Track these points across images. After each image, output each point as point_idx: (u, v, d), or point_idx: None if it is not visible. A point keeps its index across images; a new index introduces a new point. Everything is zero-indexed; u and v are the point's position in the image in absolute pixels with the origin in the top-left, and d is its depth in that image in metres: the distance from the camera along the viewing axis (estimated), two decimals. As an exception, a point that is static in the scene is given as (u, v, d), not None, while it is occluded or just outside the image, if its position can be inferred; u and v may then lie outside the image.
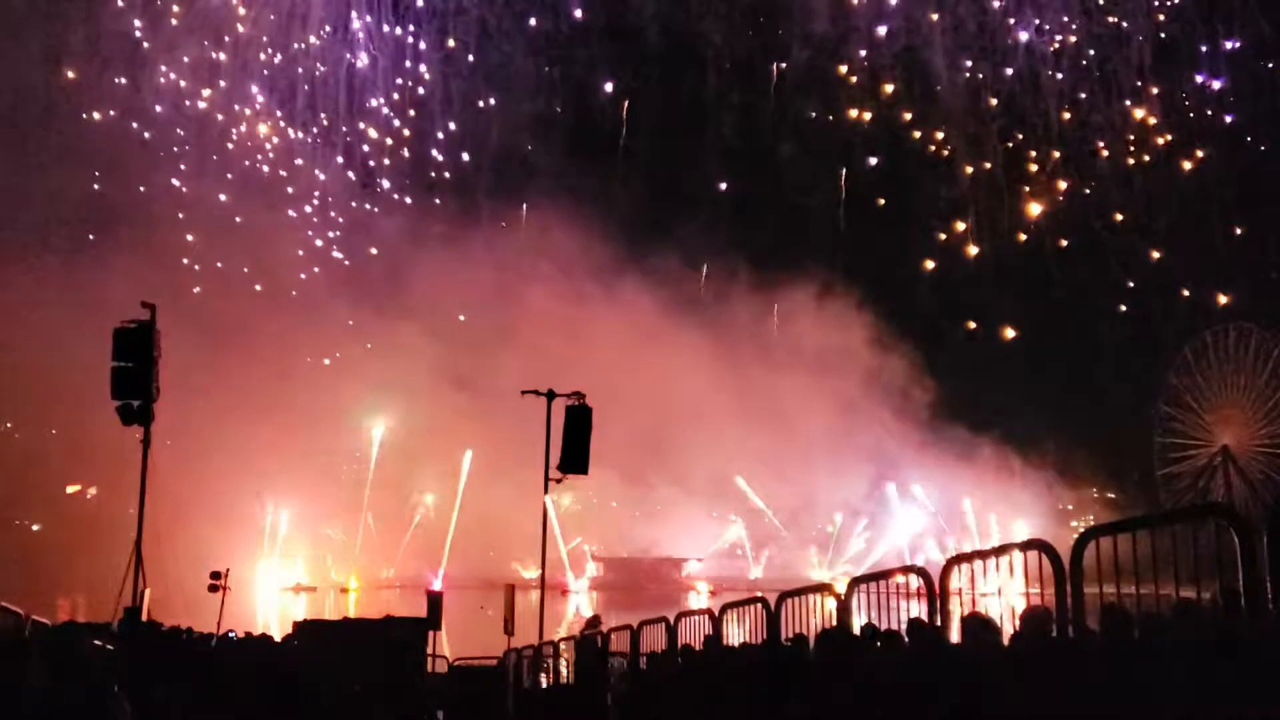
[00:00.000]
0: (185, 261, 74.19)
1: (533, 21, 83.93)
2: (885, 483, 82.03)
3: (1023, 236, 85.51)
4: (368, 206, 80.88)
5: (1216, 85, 78.68)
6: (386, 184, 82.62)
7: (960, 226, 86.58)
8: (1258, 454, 67.23)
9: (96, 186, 70.69)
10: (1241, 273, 73.10)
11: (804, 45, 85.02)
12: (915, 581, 8.68)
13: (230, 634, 19.93)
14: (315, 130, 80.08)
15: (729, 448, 78.07)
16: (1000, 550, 7.74)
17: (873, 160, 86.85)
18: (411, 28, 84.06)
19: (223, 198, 76.53)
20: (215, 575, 24.52)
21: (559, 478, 24.89)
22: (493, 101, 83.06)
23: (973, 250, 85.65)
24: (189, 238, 74.51)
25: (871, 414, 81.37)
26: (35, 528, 70.01)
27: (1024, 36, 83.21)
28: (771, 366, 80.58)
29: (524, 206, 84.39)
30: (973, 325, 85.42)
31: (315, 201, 78.26)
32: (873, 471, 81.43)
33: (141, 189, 71.62)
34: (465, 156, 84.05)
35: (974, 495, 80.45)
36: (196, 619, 21.05)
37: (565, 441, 24.46)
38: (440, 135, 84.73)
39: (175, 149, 75.78)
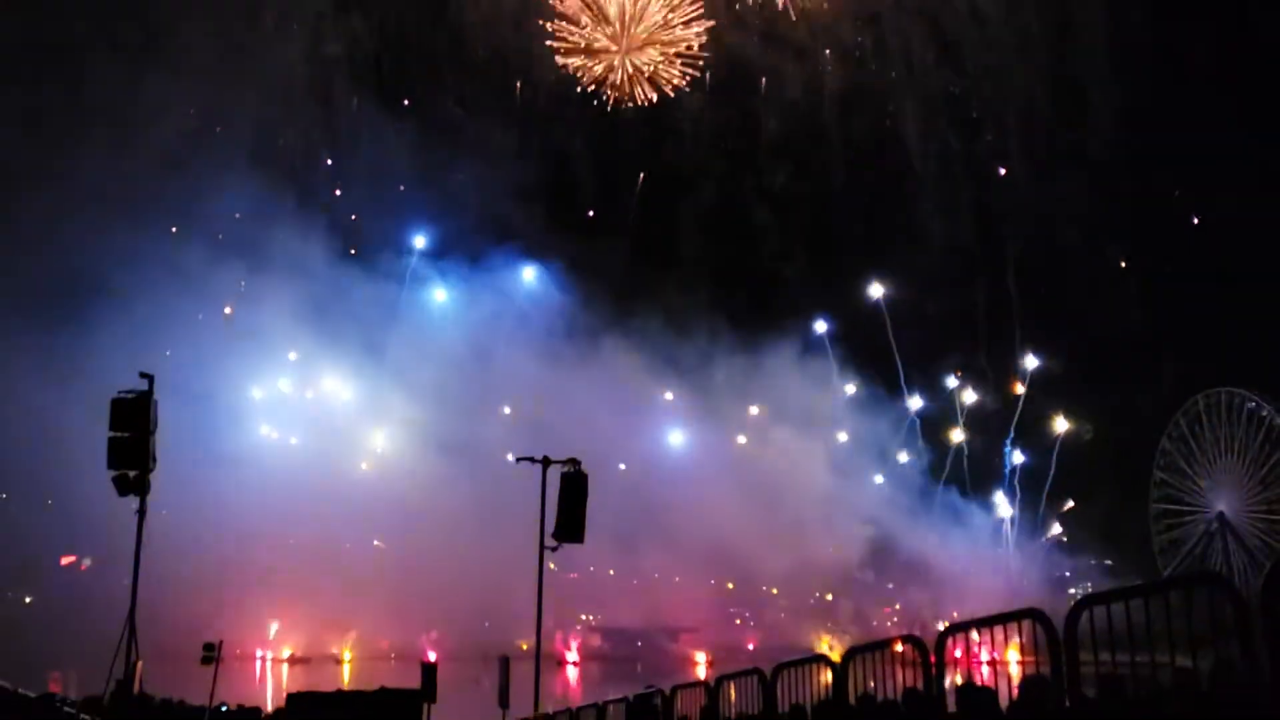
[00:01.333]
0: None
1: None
2: (879, 546, 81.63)
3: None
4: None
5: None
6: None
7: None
8: (1255, 520, 67.09)
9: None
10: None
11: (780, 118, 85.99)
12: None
13: (223, 707, 19.77)
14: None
15: (721, 512, 77.87)
16: (995, 620, 7.77)
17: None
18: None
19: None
20: (209, 647, 24.34)
21: (554, 546, 24.79)
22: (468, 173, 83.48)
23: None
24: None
25: (861, 478, 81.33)
26: (28, 600, 69.48)
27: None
28: (757, 430, 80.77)
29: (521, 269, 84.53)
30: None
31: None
32: (867, 536, 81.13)
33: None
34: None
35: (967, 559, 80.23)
36: (189, 691, 20.88)
37: (560, 509, 24.41)
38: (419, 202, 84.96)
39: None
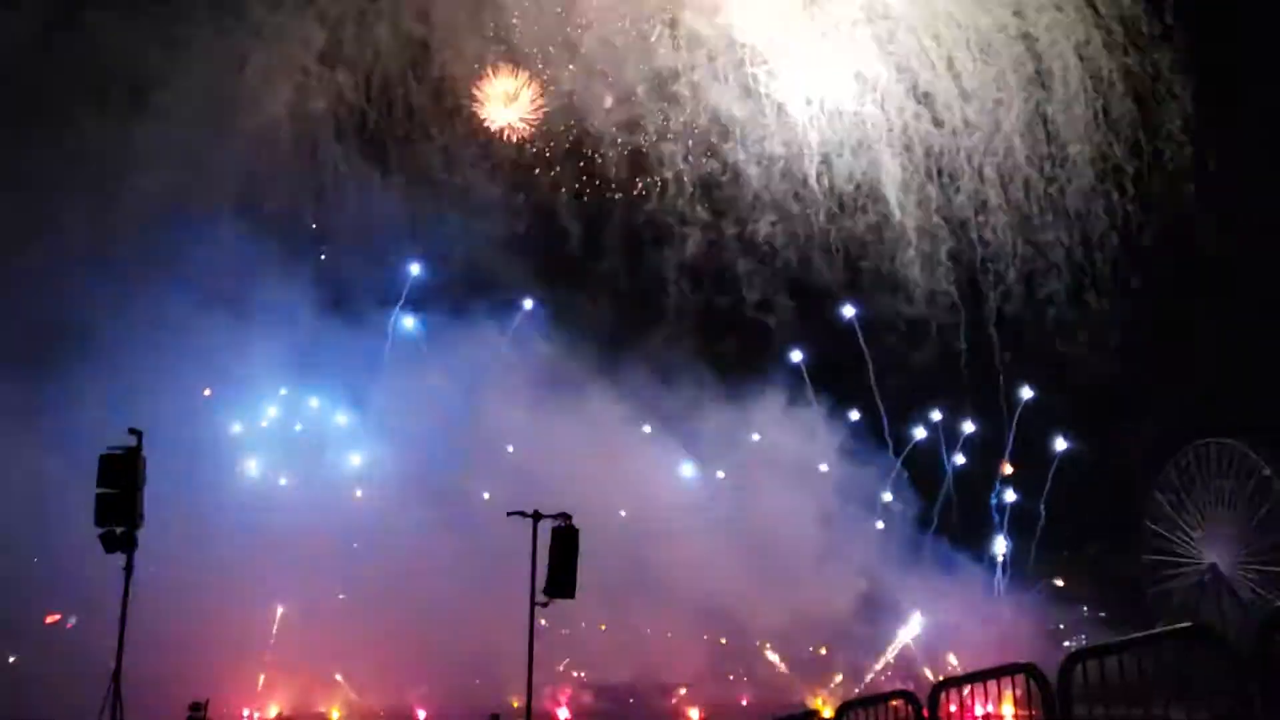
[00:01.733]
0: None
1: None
2: (872, 600, 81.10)
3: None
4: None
5: None
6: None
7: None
8: (1248, 571, 67.04)
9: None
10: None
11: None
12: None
13: (209, 768, 19.52)
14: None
15: (711, 565, 77.46)
16: (988, 674, 7.73)
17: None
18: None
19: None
20: (195, 706, 24.13)
21: (544, 602, 24.64)
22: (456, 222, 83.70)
23: None
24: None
25: (854, 529, 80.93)
26: (11, 659, 68.61)
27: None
28: (747, 479, 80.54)
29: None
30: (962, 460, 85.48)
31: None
32: (860, 588, 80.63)
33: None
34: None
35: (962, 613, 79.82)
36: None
37: (551, 564, 24.29)
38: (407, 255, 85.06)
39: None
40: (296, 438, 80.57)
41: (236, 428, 77.33)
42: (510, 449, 78.83)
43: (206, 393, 76.11)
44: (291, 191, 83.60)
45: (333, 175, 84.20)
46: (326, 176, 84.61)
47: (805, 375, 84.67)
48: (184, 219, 77.79)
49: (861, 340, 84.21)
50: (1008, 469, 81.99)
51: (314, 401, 80.00)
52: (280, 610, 71.89)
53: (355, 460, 79.57)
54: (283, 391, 79.30)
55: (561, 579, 24.17)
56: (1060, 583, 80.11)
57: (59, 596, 65.69)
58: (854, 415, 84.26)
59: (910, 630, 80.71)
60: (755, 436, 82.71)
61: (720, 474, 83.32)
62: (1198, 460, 69.56)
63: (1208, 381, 71.51)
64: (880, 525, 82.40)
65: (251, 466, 77.35)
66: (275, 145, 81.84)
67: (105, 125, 72.84)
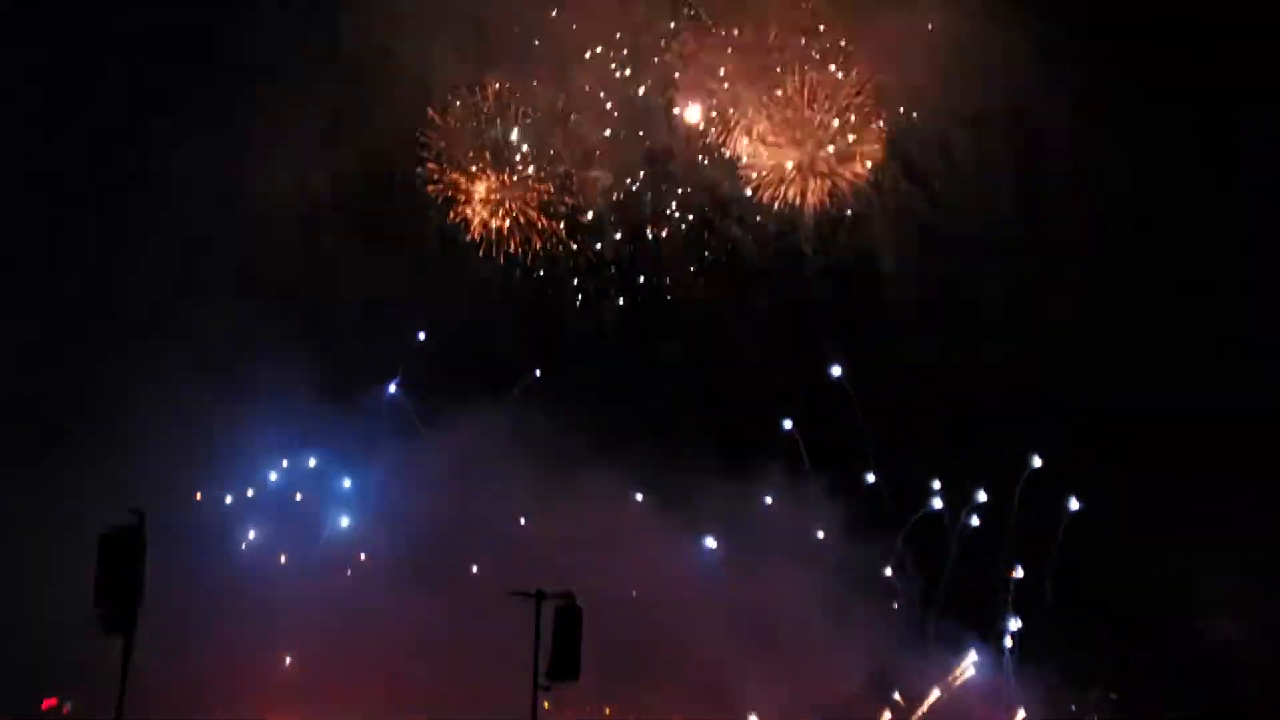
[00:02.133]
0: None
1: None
2: (878, 679, 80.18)
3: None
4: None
5: None
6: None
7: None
8: (1261, 638, 66.76)
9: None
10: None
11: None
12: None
13: None
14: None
15: (719, 645, 76.67)
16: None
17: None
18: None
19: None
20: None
21: (547, 685, 24.26)
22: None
23: None
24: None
25: (858, 606, 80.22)
26: (7, 746, 67.67)
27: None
28: (744, 555, 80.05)
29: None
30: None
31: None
32: (866, 668, 79.77)
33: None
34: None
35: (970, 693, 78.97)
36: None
37: (554, 645, 23.95)
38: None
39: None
40: (293, 511, 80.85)
41: (229, 499, 77.39)
42: (522, 521, 78.70)
43: (198, 496, 76.26)
44: (292, 273, 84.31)
45: (333, 258, 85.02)
46: (325, 252, 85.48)
47: (801, 447, 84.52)
48: (185, 297, 78.49)
49: (858, 410, 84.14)
50: (1017, 573, 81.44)
51: (311, 462, 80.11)
52: (283, 665, 71.54)
53: (349, 531, 79.56)
54: (284, 463, 79.42)
55: (565, 661, 23.80)
56: (1073, 665, 79.29)
57: (56, 680, 64.91)
58: (862, 482, 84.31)
59: (917, 712, 79.97)
60: (756, 508, 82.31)
61: (713, 543, 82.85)
62: (1201, 523, 69.49)
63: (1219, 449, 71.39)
64: (879, 604, 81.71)
65: (249, 540, 77.28)
66: (276, 223, 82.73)
67: (115, 196, 73.77)
